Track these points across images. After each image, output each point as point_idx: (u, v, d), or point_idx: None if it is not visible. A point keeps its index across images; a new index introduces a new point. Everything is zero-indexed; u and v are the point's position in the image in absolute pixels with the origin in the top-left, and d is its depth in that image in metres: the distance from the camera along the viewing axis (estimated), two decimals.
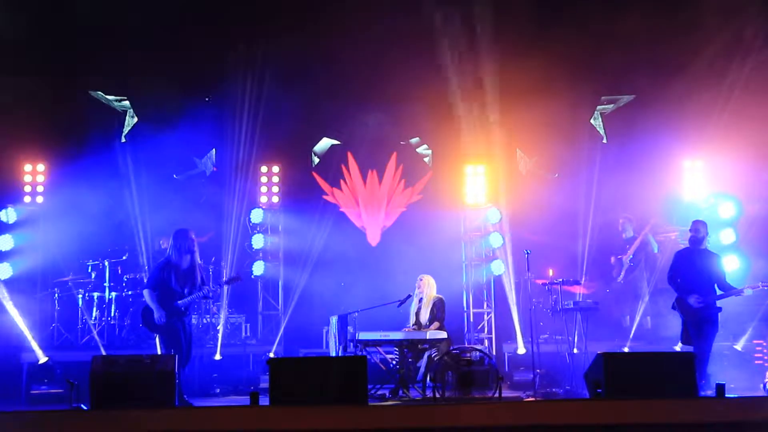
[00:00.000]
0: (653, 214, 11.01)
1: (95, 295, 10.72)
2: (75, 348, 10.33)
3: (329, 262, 11.38)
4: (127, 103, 11.51)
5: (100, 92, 11.40)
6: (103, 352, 9.64)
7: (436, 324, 9.13)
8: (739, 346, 9.82)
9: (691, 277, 8.28)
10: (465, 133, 11.26)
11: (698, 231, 8.40)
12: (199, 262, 8.57)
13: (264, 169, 11.68)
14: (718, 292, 8.28)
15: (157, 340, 8.65)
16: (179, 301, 8.20)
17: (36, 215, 10.90)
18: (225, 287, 9.79)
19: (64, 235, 10.60)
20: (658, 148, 10.94)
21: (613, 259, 10.96)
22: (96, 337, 10.35)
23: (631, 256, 10.79)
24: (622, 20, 10.06)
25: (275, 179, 11.73)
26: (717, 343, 9.42)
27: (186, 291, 8.26)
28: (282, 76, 10.95)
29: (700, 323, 8.16)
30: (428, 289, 9.36)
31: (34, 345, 9.86)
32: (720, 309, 8.25)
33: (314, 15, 10.20)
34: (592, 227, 10.98)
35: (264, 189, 11.69)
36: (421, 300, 9.35)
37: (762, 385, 8.71)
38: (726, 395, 6.85)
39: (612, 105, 11.89)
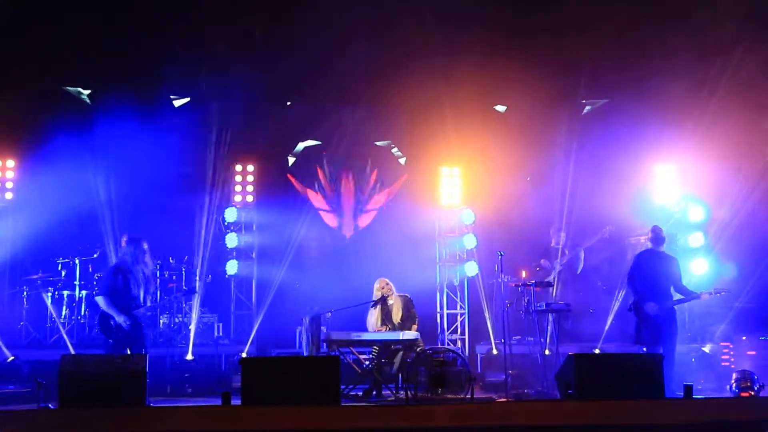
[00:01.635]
0: (624, 216, 11.11)
1: (65, 293, 10.58)
2: (43, 347, 10.19)
3: (303, 261, 11.36)
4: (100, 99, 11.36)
5: (78, 88, 11.23)
6: (73, 351, 9.52)
7: (414, 326, 9.16)
8: (706, 349, 9.98)
9: (648, 280, 8.45)
10: (440, 135, 11.29)
11: (657, 235, 8.64)
12: (152, 268, 8.47)
13: (239, 167, 11.62)
14: (676, 296, 8.50)
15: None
16: (136, 310, 8.11)
17: (5, 212, 10.73)
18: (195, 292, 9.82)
19: (34, 232, 10.43)
20: (631, 151, 11.06)
21: (543, 261, 10.83)
22: (65, 335, 10.21)
23: (559, 268, 10.67)
24: (596, 26, 10.15)
25: (250, 178, 11.67)
26: (685, 345, 9.63)
27: (141, 294, 8.17)
28: (256, 76, 10.87)
29: (659, 326, 8.31)
30: (392, 289, 9.36)
31: (0, 343, 9.70)
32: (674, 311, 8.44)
33: (289, 15, 10.15)
34: (565, 230, 11.06)
35: (239, 188, 11.63)
36: (386, 302, 9.33)
37: (729, 387, 8.84)
38: (694, 396, 6.97)
39: (585, 108, 12.00)
